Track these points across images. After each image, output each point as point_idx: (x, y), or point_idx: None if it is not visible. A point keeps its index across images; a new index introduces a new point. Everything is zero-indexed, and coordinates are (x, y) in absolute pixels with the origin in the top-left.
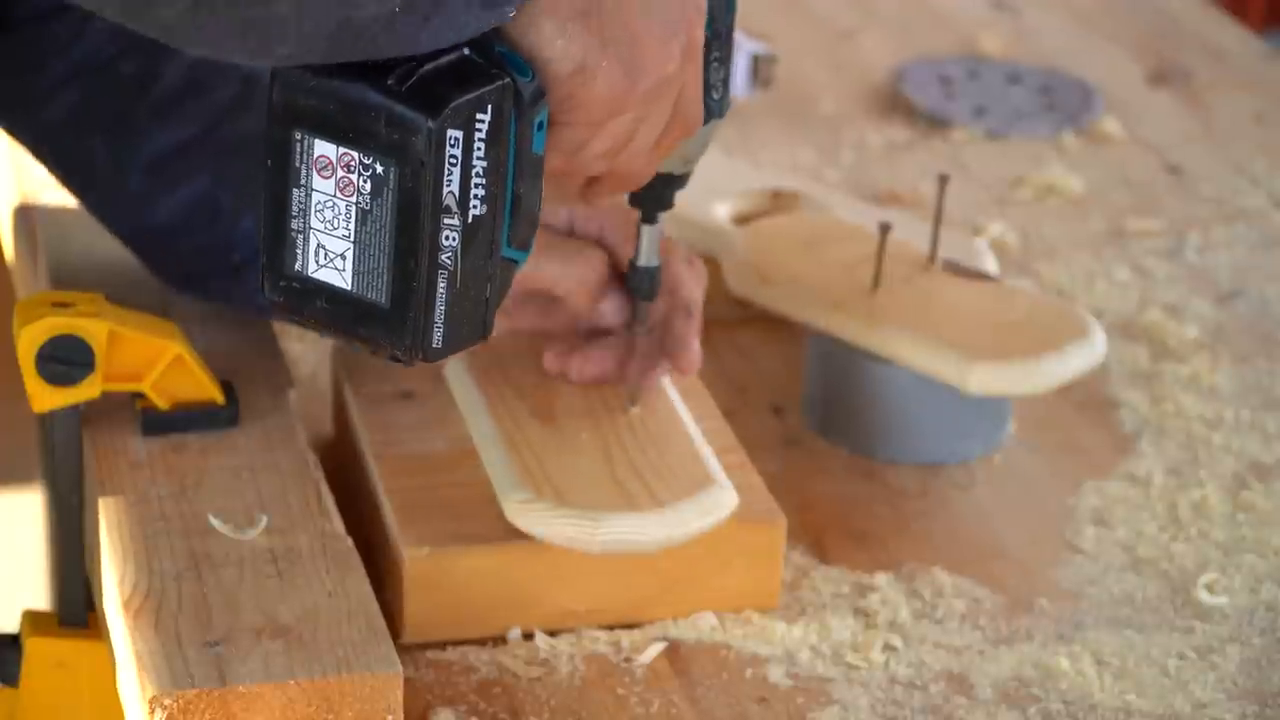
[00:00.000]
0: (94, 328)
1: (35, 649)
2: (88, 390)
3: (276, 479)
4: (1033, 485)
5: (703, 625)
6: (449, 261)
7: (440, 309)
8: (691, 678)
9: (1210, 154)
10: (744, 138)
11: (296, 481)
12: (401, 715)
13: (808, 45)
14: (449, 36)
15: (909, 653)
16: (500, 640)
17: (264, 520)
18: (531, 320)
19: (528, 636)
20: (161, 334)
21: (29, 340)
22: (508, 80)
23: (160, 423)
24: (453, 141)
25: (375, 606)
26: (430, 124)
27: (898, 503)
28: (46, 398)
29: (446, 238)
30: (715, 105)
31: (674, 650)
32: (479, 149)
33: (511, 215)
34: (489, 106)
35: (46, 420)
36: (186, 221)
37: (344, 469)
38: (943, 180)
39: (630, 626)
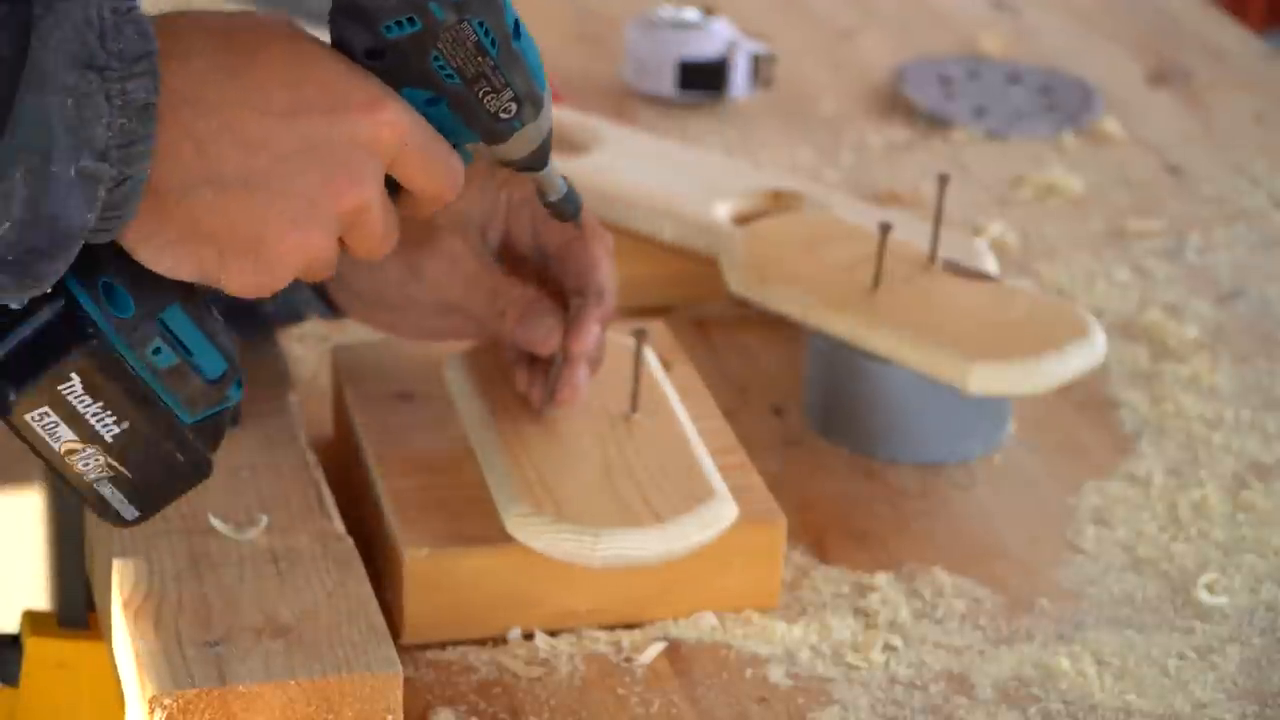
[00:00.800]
0: None
1: (35, 649)
2: None
3: (276, 479)
4: (1033, 485)
5: (703, 625)
6: (103, 472)
7: (116, 499)
8: (691, 678)
9: (1210, 154)
10: (744, 138)
11: (296, 481)
12: (401, 715)
13: (808, 45)
14: None
15: (909, 653)
16: (500, 640)
17: (264, 520)
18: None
19: (528, 636)
20: None
21: None
22: (94, 343)
23: None
24: (39, 415)
25: (375, 606)
26: (12, 401)
27: (898, 503)
28: None
29: (85, 463)
30: (513, 119)
31: (674, 650)
32: (81, 401)
33: (171, 398)
34: (73, 373)
35: None
36: None
37: (344, 469)
38: (943, 180)
39: (630, 626)
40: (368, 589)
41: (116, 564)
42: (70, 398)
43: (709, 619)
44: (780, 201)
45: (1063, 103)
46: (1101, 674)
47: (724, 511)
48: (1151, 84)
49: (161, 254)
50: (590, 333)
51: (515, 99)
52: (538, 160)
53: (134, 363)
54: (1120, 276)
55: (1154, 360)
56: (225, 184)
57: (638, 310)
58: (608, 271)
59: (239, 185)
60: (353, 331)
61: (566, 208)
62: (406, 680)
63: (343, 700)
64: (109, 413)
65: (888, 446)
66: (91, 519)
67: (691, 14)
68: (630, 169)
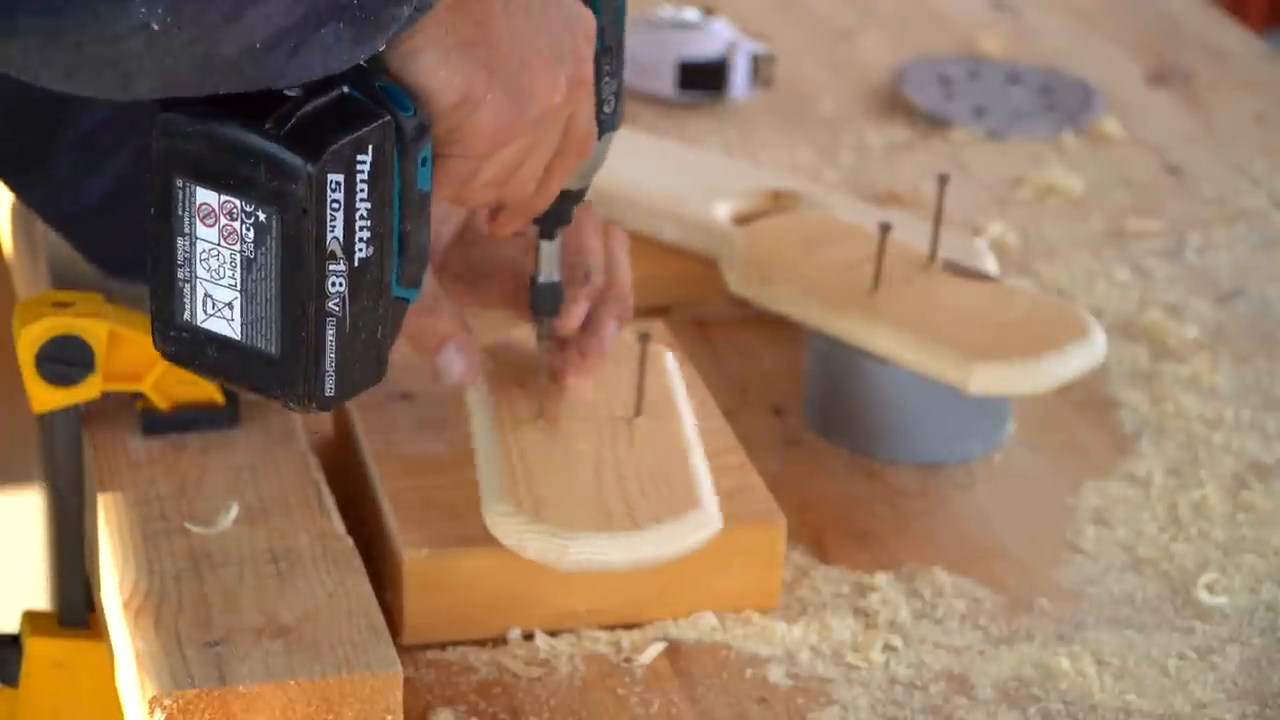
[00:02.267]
0: (94, 328)
1: (35, 649)
2: (88, 390)
3: (276, 479)
4: (1033, 485)
5: (703, 625)
6: (337, 308)
7: (330, 356)
8: (691, 678)
9: (1210, 154)
10: (744, 138)
11: (296, 481)
12: (401, 715)
13: (807, 45)
14: (317, 69)
15: (909, 653)
16: (500, 640)
17: (234, 509)
18: None
19: (528, 636)
20: None
21: (29, 340)
22: (389, 118)
23: (160, 423)
24: (334, 185)
25: (375, 606)
26: (310, 168)
27: (898, 503)
28: (46, 398)
29: (333, 284)
30: (608, 119)
31: (674, 650)
32: (362, 190)
33: (400, 254)
34: (370, 147)
35: (46, 420)
36: (116, 199)
37: (344, 469)
38: (943, 180)
39: (630, 626)
40: (368, 589)
41: (116, 564)
42: (358, 178)
43: (709, 619)
44: (780, 201)
45: (1063, 103)
46: (1101, 674)
47: (705, 521)
48: (1151, 84)
49: (440, 60)
50: (573, 313)
51: (618, 93)
52: (576, 198)
53: (398, 176)
54: (1120, 276)
55: (1154, 360)
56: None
57: (638, 310)
58: (597, 250)
59: (523, 3)
60: None
61: (549, 298)
62: (406, 680)
63: (343, 700)
64: (368, 223)
65: (888, 446)
66: (91, 519)
67: (691, 14)
68: (630, 169)
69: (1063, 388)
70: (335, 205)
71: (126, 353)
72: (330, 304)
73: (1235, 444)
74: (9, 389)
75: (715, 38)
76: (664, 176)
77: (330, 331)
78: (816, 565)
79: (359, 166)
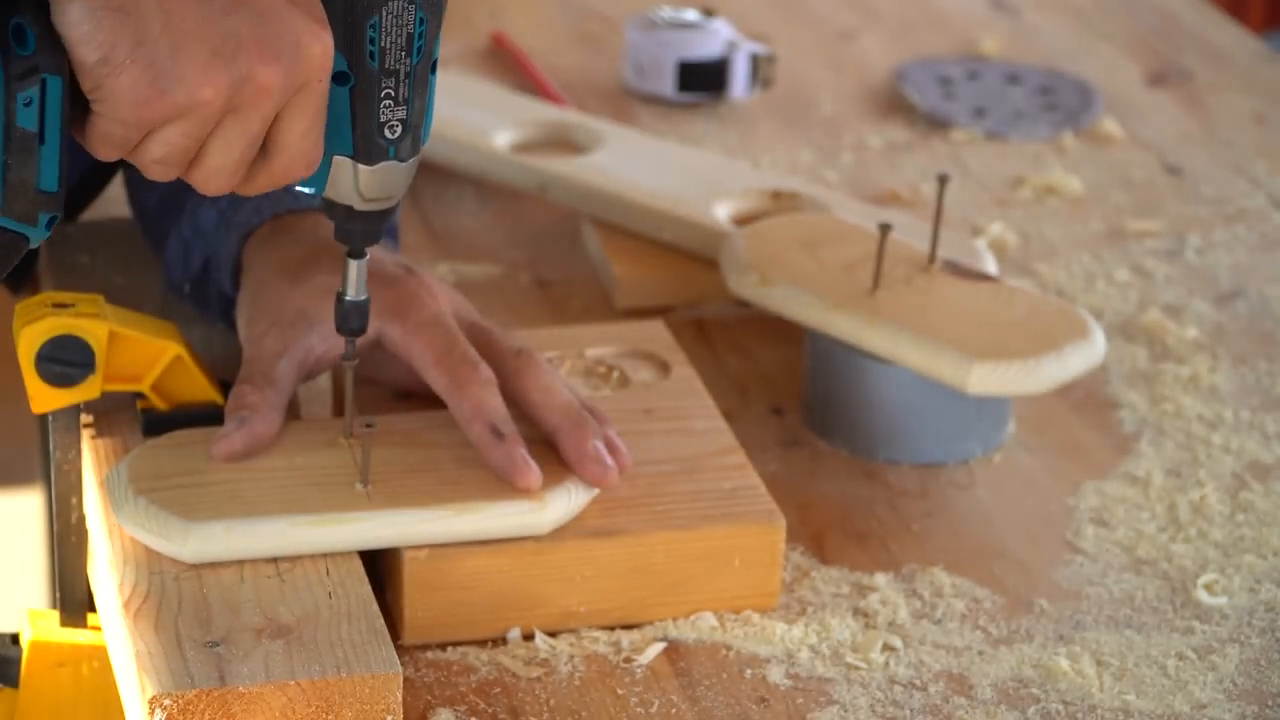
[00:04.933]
0: (94, 328)
1: (35, 649)
2: (88, 391)
3: None
4: (1033, 485)
5: (703, 625)
6: None
7: None
8: (691, 678)
9: (1210, 155)
10: (744, 138)
11: None
12: (401, 715)
13: (808, 45)
14: None
15: (909, 653)
16: (500, 640)
17: None
18: None
19: (528, 636)
20: (161, 334)
21: (29, 341)
22: None
23: (160, 423)
24: None
25: (375, 607)
26: None
27: (898, 503)
28: (47, 398)
29: None
30: (390, 145)
31: (674, 650)
32: None
33: (2, 184)
34: None
35: (46, 421)
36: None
37: None
38: (943, 180)
39: (630, 626)
40: (368, 589)
41: (116, 564)
42: None
43: (709, 619)
44: (780, 201)
45: (1062, 103)
46: (1101, 674)
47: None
48: (1151, 84)
49: (86, 15)
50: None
51: (405, 122)
52: (382, 218)
53: (3, 104)
54: (1120, 276)
55: (1154, 360)
56: None
57: (638, 310)
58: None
59: None
60: None
61: (355, 317)
62: (406, 680)
63: (343, 701)
64: None
65: (888, 447)
66: (91, 519)
67: (691, 14)
68: (630, 169)
69: (1063, 388)
70: None
71: (126, 353)
72: None
73: (1235, 444)
74: (9, 389)
75: (715, 38)
76: (664, 176)
77: None
78: (816, 565)
79: None
